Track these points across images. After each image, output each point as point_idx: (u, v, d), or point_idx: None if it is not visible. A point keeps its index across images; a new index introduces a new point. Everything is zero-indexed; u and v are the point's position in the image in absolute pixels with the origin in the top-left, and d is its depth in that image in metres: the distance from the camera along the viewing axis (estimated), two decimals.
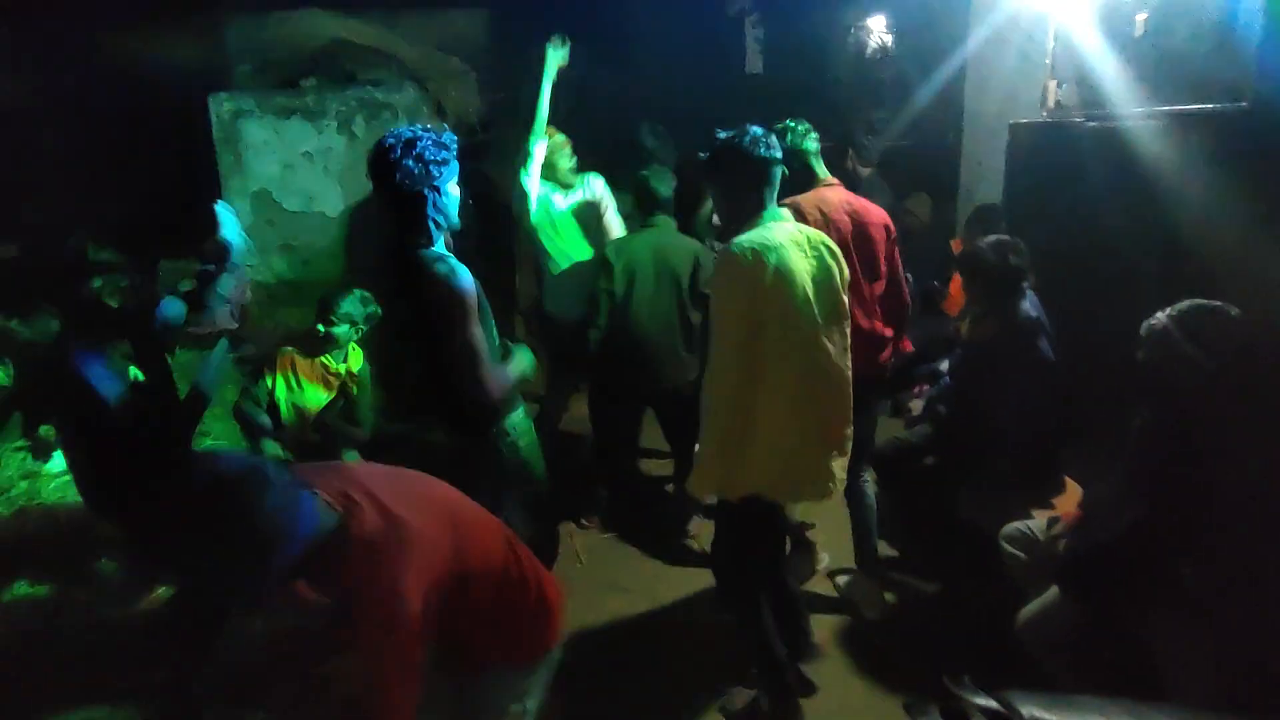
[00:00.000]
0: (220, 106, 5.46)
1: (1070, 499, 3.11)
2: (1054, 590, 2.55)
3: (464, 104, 6.03)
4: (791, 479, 2.41)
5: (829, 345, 2.34)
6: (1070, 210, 3.62)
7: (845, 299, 2.42)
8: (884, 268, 3.04)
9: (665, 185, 3.72)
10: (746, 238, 2.29)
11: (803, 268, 2.30)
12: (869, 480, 3.30)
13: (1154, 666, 2.39)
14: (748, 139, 2.32)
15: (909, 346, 3.48)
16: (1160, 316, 2.39)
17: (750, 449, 2.32)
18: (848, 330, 2.43)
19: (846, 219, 2.92)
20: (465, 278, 2.34)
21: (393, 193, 2.33)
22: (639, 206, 3.80)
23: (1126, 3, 3.53)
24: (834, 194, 2.99)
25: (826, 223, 2.84)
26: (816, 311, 2.30)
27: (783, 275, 2.24)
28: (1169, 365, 2.33)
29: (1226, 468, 2.26)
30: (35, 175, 6.20)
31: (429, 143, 2.32)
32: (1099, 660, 2.50)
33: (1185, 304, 2.38)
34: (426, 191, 2.33)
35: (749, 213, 2.35)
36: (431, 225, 2.38)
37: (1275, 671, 2.16)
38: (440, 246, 2.44)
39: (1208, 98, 3.01)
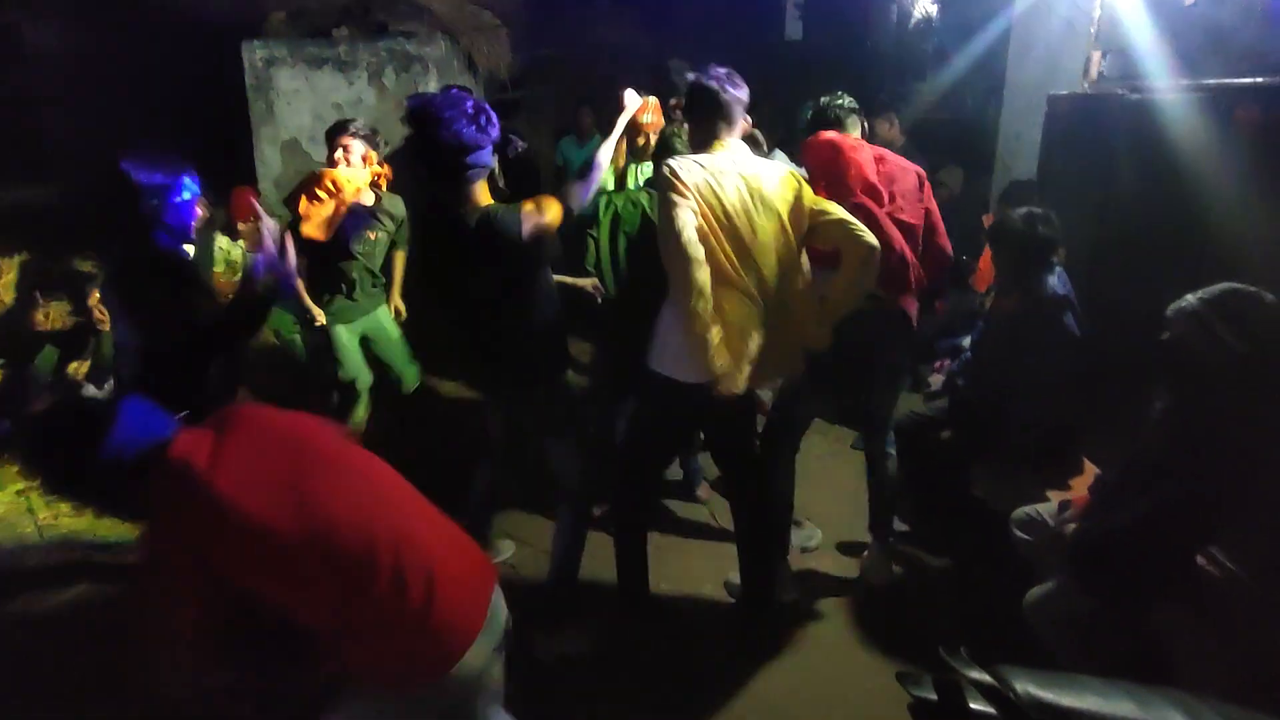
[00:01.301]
0: (253, 54, 5.46)
1: (1087, 481, 3.06)
2: (1062, 574, 2.51)
3: (496, 59, 5.97)
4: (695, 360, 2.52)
5: (758, 262, 2.52)
6: (1107, 186, 3.51)
7: (788, 228, 2.57)
8: (921, 208, 3.01)
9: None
10: (683, 157, 2.52)
11: (736, 189, 2.48)
12: (892, 452, 3.25)
13: (1160, 654, 2.35)
14: (709, 77, 2.56)
15: (941, 309, 3.40)
16: (1190, 299, 2.31)
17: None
18: (792, 252, 2.60)
19: (868, 156, 2.93)
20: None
21: (435, 152, 2.42)
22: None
23: None
24: (857, 142, 3.00)
25: (838, 157, 2.91)
26: (742, 227, 2.48)
27: (708, 191, 2.44)
28: (1198, 348, 2.25)
29: (1251, 456, 2.20)
30: (69, 121, 6.29)
31: (478, 107, 2.42)
32: (1105, 645, 2.47)
33: (1218, 287, 2.29)
34: (469, 155, 2.42)
35: (705, 141, 2.59)
36: (468, 186, 2.47)
37: None
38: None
39: (1258, 71, 2.89)
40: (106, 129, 5.73)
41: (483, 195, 2.52)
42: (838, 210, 2.60)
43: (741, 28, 8.43)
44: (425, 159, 2.48)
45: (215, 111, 5.70)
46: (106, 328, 4.12)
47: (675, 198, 2.43)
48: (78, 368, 4.68)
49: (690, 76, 2.63)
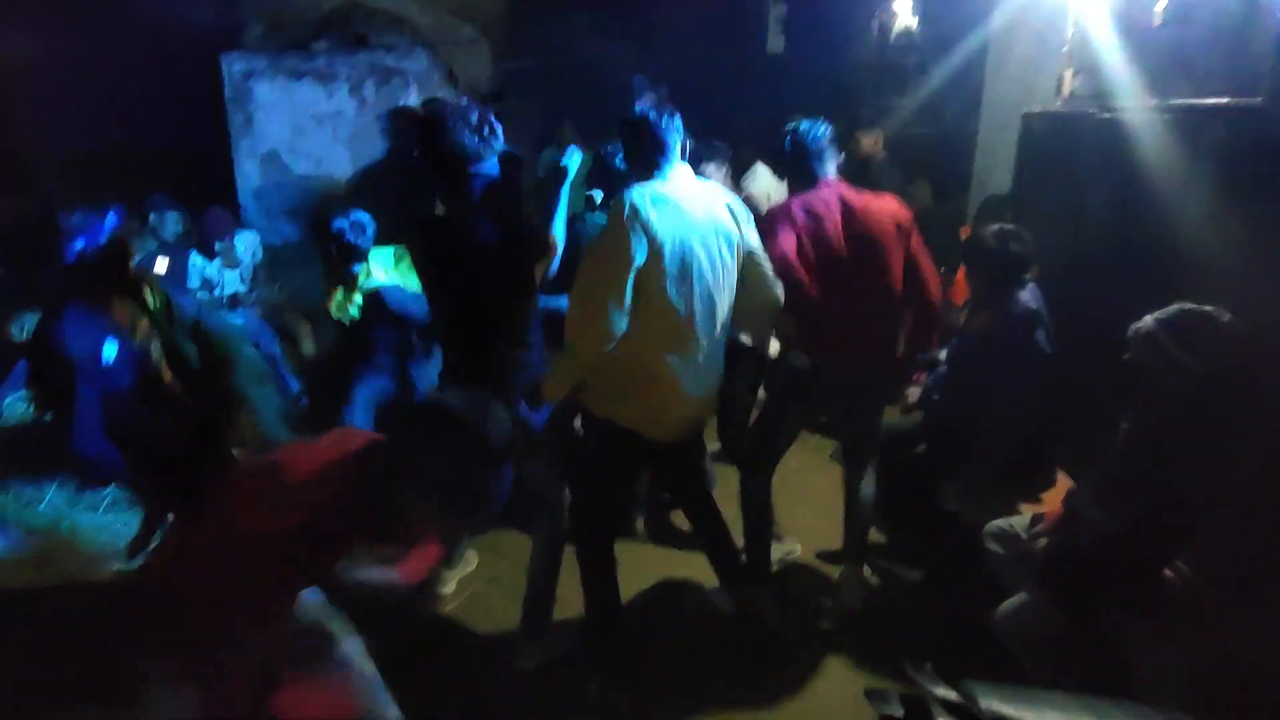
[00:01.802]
0: (232, 66, 5.46)
1: (1060, 495, 3.08)
2: (1033, 589, 2.53)
3: (475, 72, 6.00)
4: (642, 412, 2.60)
5: (709, 287, 2.51)
6: (1078, 202, 3.56)
7: (734, 263, 2.57)
8: (893, 261, 2.91)
9: None
10: (641, 186, 2.48)
11: (684, 224, 2.45)
12: (870, 477, 3.27)
13: (1128, 669, 2.37)
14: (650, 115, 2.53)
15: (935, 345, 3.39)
16: (1147, 320, 2.35)
17: (606, 378, 2.56)
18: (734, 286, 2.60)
19: (836, 214, 2.86)
20: None
21: (438, 159, 2.48)
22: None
23: None
24: (828, 192, 2.92)
25: (814, 218, 2.84)
26: (693, 264, 2.46)
27: (654, 228, 2.39)
28: (1157, 368, 2.29)
29: (1213, 474, 2.23)
30: (49, 131, 6.23)
31: (482, 118, 2.48)
32: (1075, 660, 2.49)
33: (1173, 308, 2.34)
34: (472, 165, 2.47)
35: (647, 172, 2.54)
36: (470, 194, 2.52)
37: (1248, 680, 2.14)
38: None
39: (1224, 92, 2.94)
40: (81, 140, 5.71)
41: (486, 205, 2.56)
42: (761, 252, 2.65)
43: (723, 40, 8.48)
44: (431, 166, 2.54)
45: (193, 123, 5.69)
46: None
47: (622, 235, 2.39)
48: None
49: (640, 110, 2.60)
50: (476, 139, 2.45)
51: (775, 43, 9.00)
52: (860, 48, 8.41)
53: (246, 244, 5.02)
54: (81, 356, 2.45)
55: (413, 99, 5.37)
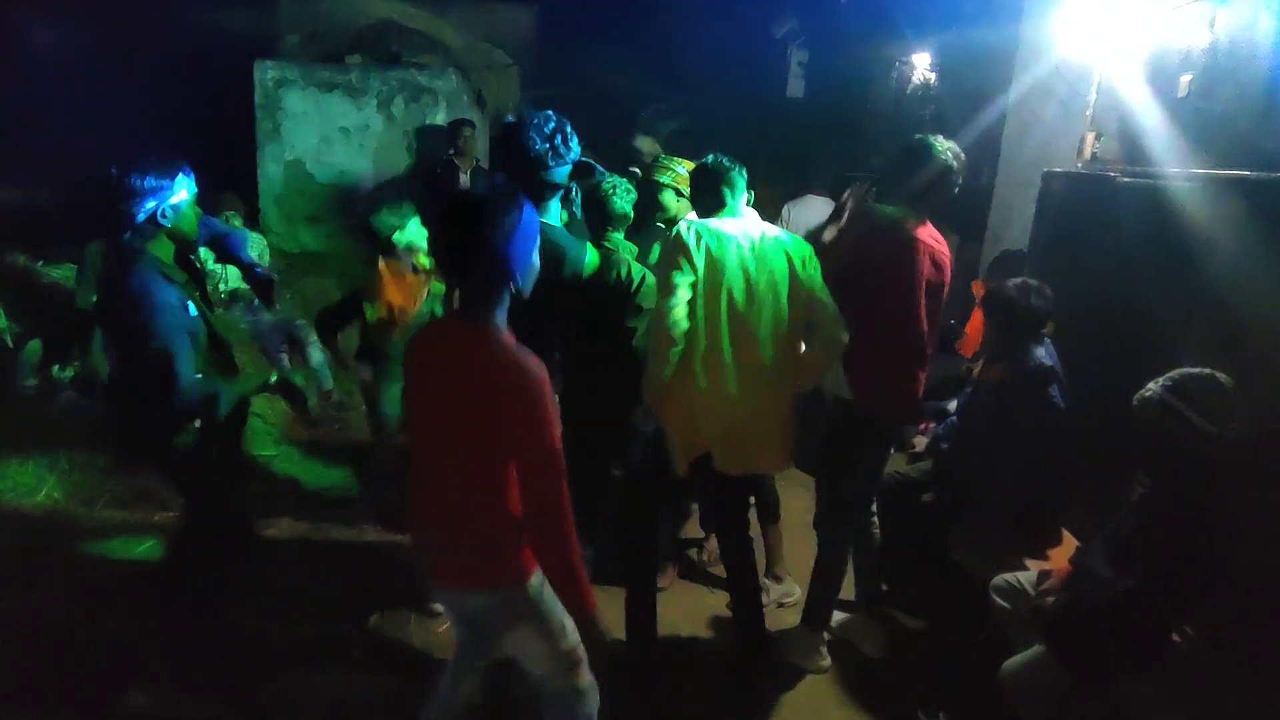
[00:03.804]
0: (265, 74, 5.53)
1: (1065, 552, 3.09)
2: (1039, 645, 2.53)
3: (504, 96, 6.07)
4: (684, 441, 2.71)
5: (749, 330, 2.63)
6: (1096, 263, 3.60)
7: (784, 298, 2.66)
8: (892, 304, 2.86)
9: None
10: (693, 221, 2.64)
11: (738, 258, 2.59)
12: (874, 519, 3.29)
13: None
14: (711, 160, 2.72)
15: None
16: (1153, 387, 2.37)
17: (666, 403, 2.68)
18: (784, 322, 2.67)
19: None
20: None
21: (510, 160, 2.57)
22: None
23: (1172, 63, 3.52)
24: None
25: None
26: (742, 298, 2.60)
27: (714, 258, 2.56)
28: (1172, 434, 2.31)
29: (1231, 538, 2.25)
30: (78, 127, 6.28)
31: (557, 128, 2.55)
32: (1078, 718, 2.48)
33: (1174, 374, 2.37)
34: (540, 171, 2.54)
35: (710, 209, 2.73)
36: (541, 201, 2.59)
37: None
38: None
39: (1247, 164, 2.99)
40: (108, 136, 5.74)
41: (550, 213, 2.64)
42: (827, 295, 2.69)
43: (744, 81, 8.61)
44: (504, 169, 2.66)
45: (221, 127, 5.74)
46: None
47: (677, 270, 2.55)
48: (60, 371, 4.63)
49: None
50: (547, 146, 2.51)
51: (795, 87, 9.15)
52: (877, 97, 8.55)
53: (254, 245, 5.00)
54: (170, 308, 2.42)
55: (441, 118, 5.44)
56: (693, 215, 2.96)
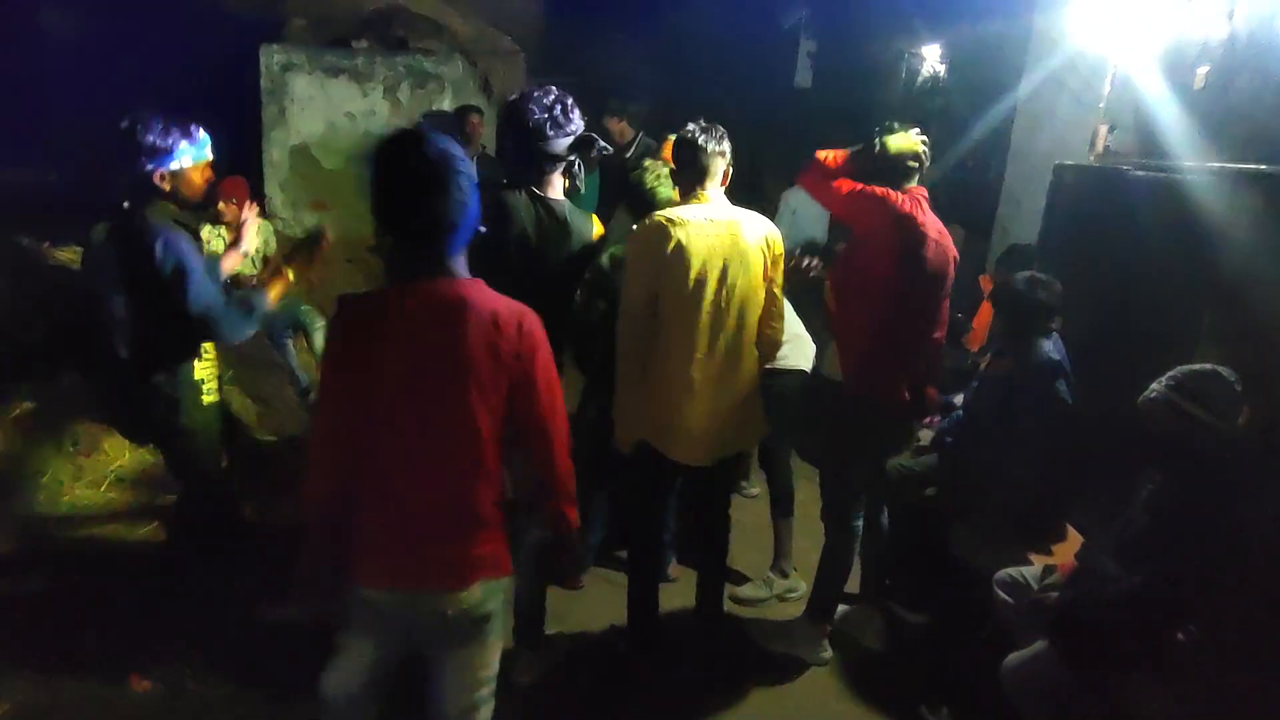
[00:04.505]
0: (271, 58, 5.49)
1: (1070, 548, 3.07)
2: (1042, 641, 2.51)
3: (510, 83, 6.03)
4: (667, 433, 2.67)
5: (724, 319, 2.60)
6: (1106, 257, 3.56)
7: (758, 284, 2.65)
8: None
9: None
10: (661, 211, 2.58)
11: (707, 245, 2.54)
12: (885, 513, 3.27)
13: None
14: (691, 133, 2.61)
15: (933, 393, 3.39)
16: (1156, 387, 2.37)
17: (643, 400, 2.64)
18: (754, 305, 2.66)
19: None
20: None
21: (508, 130, 2.57)
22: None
23: (1189, 54, 3.47)
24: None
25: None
26: (714, 286, 2.56)
27: (682, 248, 2.51)
28: (1180, 432, 2.30)
29: (1240, 536, 2.23)
30: (83, 110, 6.27)
31: (558, 100, 2.51)
32: (1080, 716, 2.46)
33: (1178, 372, 2.36)
34: (538, 141, 2.48)
35: (685, 192, 2.67)
36: (541, 174, 2.54)
37: None
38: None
39: (1265, 157, 2.95)
40: (113, 119, 5.73)
41: (555, 186, 2.58)
42: (780, 293, 2.73)
43: (753, 71, 8.55)
44: (508, 140, 2.65)
45: (225, 110, 5.71)
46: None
47: (638, 261, 2.54)
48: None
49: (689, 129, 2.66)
50: (546, 116, 2.47)
51: (803, 78, 9.07)
52: (886, 88, 8.49)
53: (261, 230, 4.94)
54: (190, 251, 2.46)
55: (447, 104, 5.41)
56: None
